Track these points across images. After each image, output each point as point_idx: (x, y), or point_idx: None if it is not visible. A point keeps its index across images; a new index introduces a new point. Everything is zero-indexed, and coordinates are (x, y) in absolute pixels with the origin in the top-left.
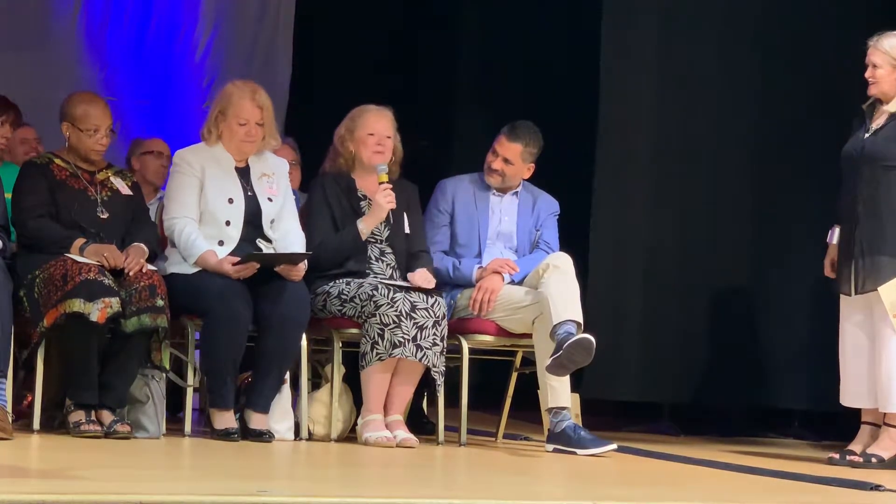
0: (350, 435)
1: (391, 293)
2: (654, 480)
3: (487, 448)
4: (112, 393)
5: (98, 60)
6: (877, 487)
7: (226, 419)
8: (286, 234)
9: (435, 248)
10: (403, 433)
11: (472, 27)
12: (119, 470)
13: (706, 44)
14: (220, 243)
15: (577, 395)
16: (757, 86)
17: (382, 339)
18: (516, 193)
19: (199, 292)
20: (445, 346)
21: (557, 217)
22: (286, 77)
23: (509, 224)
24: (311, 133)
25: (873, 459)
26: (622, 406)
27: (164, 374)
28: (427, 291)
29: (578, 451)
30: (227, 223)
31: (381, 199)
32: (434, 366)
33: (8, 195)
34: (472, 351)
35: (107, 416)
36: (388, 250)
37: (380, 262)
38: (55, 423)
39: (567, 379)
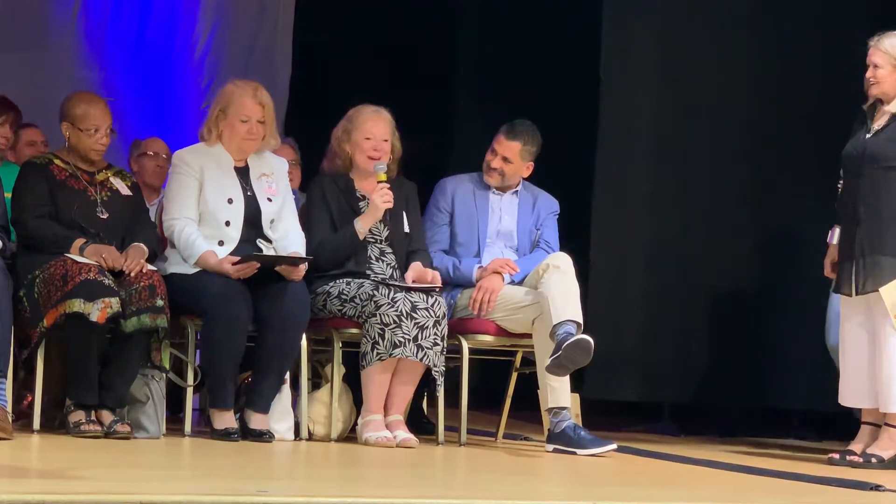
0: (350, 435)
1: (391, 293)
2: (654, 480)
3: (487, 448)
4: (112, 393)
5: (97, 61)
6: (877, 487)
7: (226, 419)
8: (286, 234)
9: (435, 247)
10: (403, 433)
11: (473, 27)
12: (119, 470)
13: (706, 43)
14: (220, 243)
15: (577, 395)
16: (757, 86)
17: (383, 338)
18: (516, 192)
19: (199, 292)
20: (446, 345)
21: (557, 216)
22: (286, 77)
23: (509, 223)
24: (311, 133)
25: (873, 459)
26: (622, 406)
27: (164, 374)
28: (427, 290)
29: (578, 451)
30: (227, 223)
31: (377, 198)
32: (434, 365)
33: (8, 195)
34: (472, 351)
35: (107, 416)
36: (388, 250)
37: (380, 261)
38: (55, 423)
39: (567, 379)
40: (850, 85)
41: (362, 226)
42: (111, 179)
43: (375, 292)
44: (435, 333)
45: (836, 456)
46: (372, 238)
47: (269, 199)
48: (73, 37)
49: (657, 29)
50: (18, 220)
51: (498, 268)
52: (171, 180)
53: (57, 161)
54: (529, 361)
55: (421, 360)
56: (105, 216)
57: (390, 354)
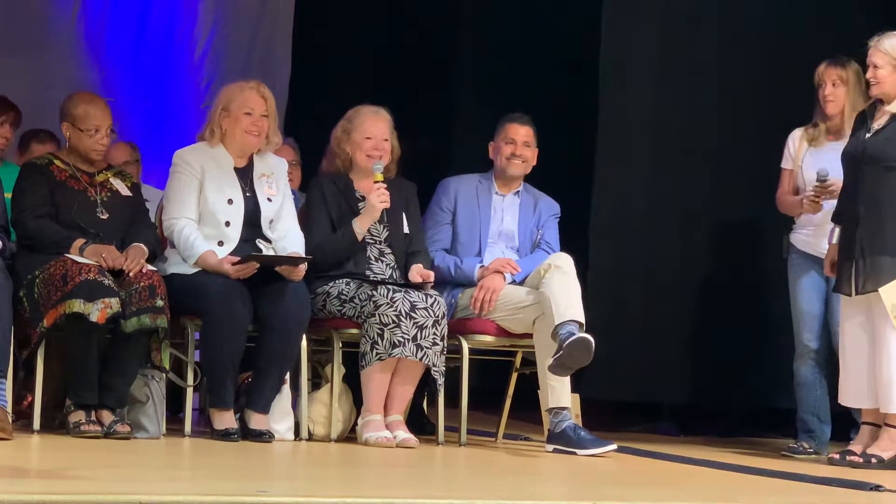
0: (350, 435)
1: (391, 293)
2: (654, 480)
3: (487, 448)
4: (112, 393)
5: (97, 61)
6: (877, 487)
7: (226, 419)
8: (285, 234)
9: (436, 246)
10: (403, 433)
11: (473, 27)
12: (119, 470)
13: (706, 43)
14: (220, 244)
15: (577, 395)
16: (758, 86)
17: (382, 338)
18: (517, 194)
19: (199, 293)
20: (445, 345)
21: (558, 219)
22: (285, 77)
23: (511, 223)
24: (311, 133)
25: (873, 459)
26: (622, 406)
27: (164, 374)
28: (419, 286)
29: (578, 451)
30: (227, 224)
31: (374, 198)
32: (434, 365)
33: (8, 195)
34: (472, 351)
35: (107, 416)
36: (388, 250)
37: (379, 262)
38: (55, 423)
39: (567, 379)
40: None
41: (360, 226)
42: (111, 180)
43: (374, 292)
44: (434, 333)
45: (836, 456)
46: (371, 239)
47: (269, 200)
48: (73, 37)
49: (657, 29)
50: (18, 221)
51: (500, 267)
52: (171, 180)
53: (57, 161)
54: (529, 361)
55: (420, 359)
56: (105, 216)
57: (390, 354)
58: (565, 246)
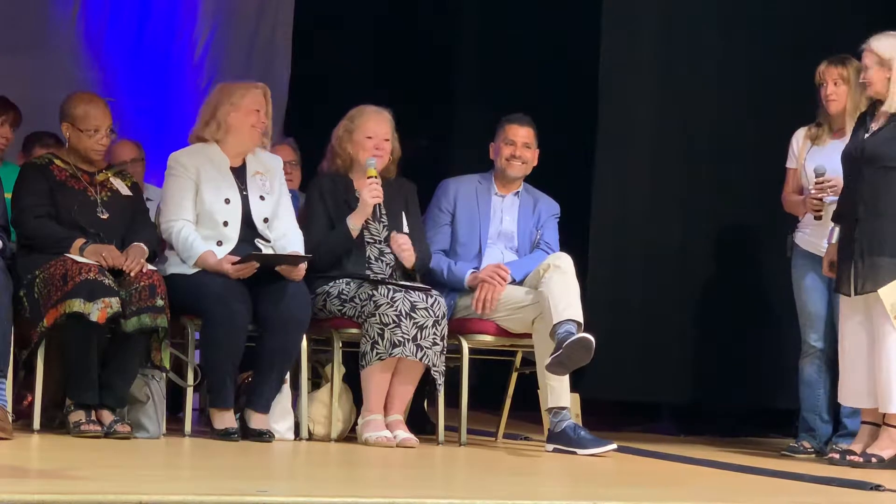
0: (350, 435)
1: (391, 293)
2: (654, 480)
3: (487, 448)
4: (112, 393)
5: (97, 61)
6: (877, 487)
7: (226, 419)
8: (284, 233)
9: (434, 247)
10: (403, 433)
11: (473, 26)
12: (119, 470)
13: (706, 43)
14: (219, 243)
15: (577, 395)
16: (757, 85)
17: (382, 338)
18: (517, 194)
19: (199, 293)
20: (445, 345)
21: (558, 219)
22: (285, 77)
23: (510, 224)
24: (311, 133)
25: (873, 459)
26: (622, 406)
27: (164, 374)
28: (426, 290)
29: (578, 451)
30: (225, 224)
31: (366, 194)
32: (434, 365)
33: (8, 195)
34: (472, 351)
35: (107, 416)
36: (388, 250)
37: (379, 262)
38: (55, 423)
39: (567, 379)
40: None
41: (354, 223)
42: (111, 179)
43: (375, 292)
44: (434, 333)
45: (836, 456)
46: (371, 238)
47: (261, 198)
48: (73, 37)
49: (657, 29)
50: (18, 221)
51: (487, 277)
52: (167, 182)
53: (57, 161)
54: (529, 361)
55: (420, 359)
56: (105, 216)
57: (390, 354)
58: (565, 246)
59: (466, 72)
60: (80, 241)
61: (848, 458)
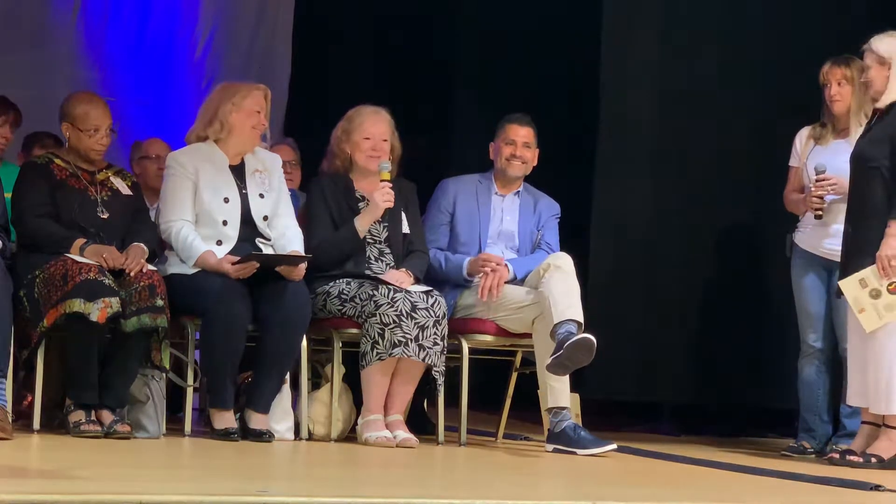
0: (350, 435)
1: (392, 293)
2: (654, 480)
3: (487, 448)
4: (112, 393)
5: (97, 61)
6: (877, 487)
7: (226, 419)
8: (284, 232)
9: (433, 247)
10: (403, 433)
11: (473, 26)
12: (119, 470)
13: (706, 43)
14: (219, 243)
15: (577, 395)
16: (757, 86)
17: (383, 338)
18: (518, 194)
19: (199, 293)
20: (446, 345)
21: (558, 219)
22: (285, 77)
23: (511, 224)
24: (311, 133)
25: (873, 459)
26: (622, 406)
27: (164, 374)
28: (426, 290)
29: (578, 451)
30: (224, 223)
31: (378, 196)
32: (434, 365)
33: (8, 195)
34: (472, 351)
35: (107, 416)
36: (387, 250)
37: (379, 262)
38: (55, 423)
39: (567, 379)
40: None
41: (362, 224)
42: (111, 179)
43: (375, 292)
44: (435, 333)
45: (836, 456)
46: (371, 238)
47: (261, 196)
48: (73, 37)
49: (657, 30)
50: (18, 220)
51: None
52: (165, 182)
53: (57, 161)
54: (529, 361)
55: (422, 359)
56: (105, 216)
57: (390, 354)
58: (565, 246)
59: (466, 72)
60: (80, 241)
61: (848, 458)
